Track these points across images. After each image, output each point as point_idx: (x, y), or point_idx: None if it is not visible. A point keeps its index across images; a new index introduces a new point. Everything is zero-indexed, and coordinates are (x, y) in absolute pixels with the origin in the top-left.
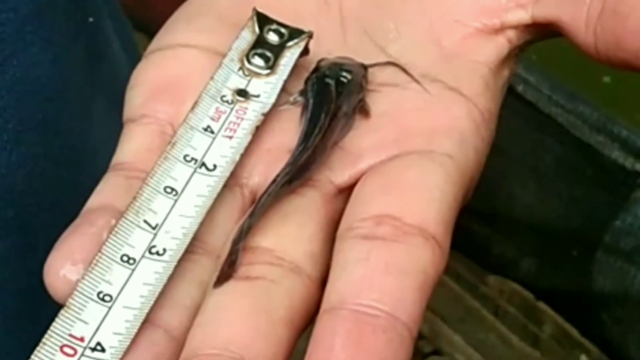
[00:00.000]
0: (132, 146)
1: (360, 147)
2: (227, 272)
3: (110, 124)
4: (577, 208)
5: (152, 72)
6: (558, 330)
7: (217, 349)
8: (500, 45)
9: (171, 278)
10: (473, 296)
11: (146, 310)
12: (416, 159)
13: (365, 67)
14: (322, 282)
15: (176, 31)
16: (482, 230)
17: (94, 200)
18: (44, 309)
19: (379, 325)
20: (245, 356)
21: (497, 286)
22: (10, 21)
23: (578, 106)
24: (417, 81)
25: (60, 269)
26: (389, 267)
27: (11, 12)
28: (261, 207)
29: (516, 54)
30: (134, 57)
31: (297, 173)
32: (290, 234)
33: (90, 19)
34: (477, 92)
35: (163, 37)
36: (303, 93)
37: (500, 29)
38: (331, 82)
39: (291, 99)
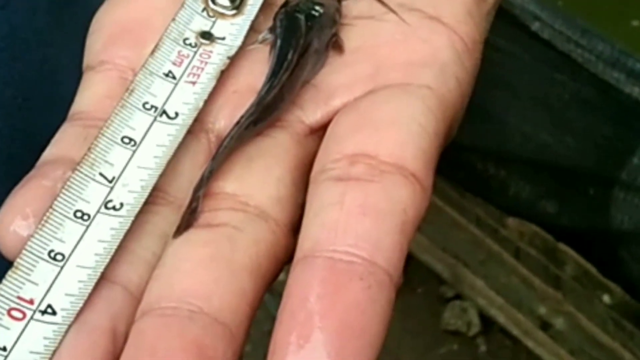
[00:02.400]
0: (90, 94)
1: (333, 84)
2: (187, 221)
3: None
4: (593, 146)
5: (112, 15)
6: (579, 271)
7: (174, 301)
8: None
9: (129, 233)
10: (493, 239)
11: (101, 270)
12: (392, 93)
13: (338, 0)
14: (292, 227)
15: None
16: (498, 173)
17: (49, 152)
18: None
19: (356, 272)
20: (204, 307)
21: (517, 228)
22: None
23: (592, 41)
24: (393, 11)
25: (10, 224)
26: (365, 209)
27: None
28: (224, 150)
29: None
30: None
31: (263, 113)
32: (256, 178)
33: None
34: (459, 20)
35: None
36: (272, 30)
37: None
38: (301, 16)
39: (259, 37)
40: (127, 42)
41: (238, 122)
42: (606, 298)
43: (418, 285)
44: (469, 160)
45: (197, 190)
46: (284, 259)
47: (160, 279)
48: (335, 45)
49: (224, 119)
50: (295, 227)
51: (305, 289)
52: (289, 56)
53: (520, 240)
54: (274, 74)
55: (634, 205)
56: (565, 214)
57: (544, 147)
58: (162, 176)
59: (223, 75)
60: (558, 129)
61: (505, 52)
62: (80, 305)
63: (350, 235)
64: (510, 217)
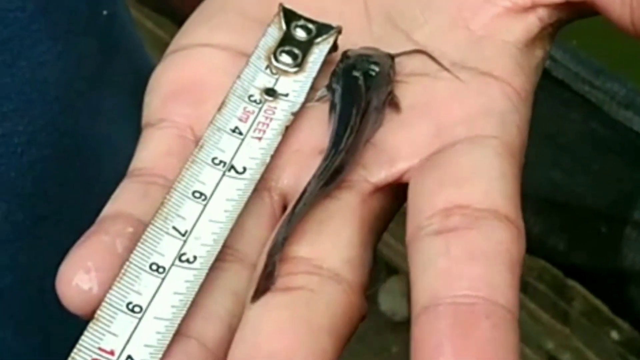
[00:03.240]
0: (149, 151)
1: (395, 145)
2: (264, 285)
3: (130, 117)
4: (605, 184)
5: (170, 74)
6: (588, 307)
7: None
8: (530, 23)
9: (201, 288)
10: None
11: (178, 321)
12: (465, 146)
13: (392, 57)
14: (362, 287)
15: (194, 31)
16: None
17: (109, 208)
18: (54, 314)
19: (480, 312)
20: None
21: (526, 263)
22: (18, 20)
23: (605, 82)
24: (446, 69)
25: (73, 278)
26: (472, 254)
27: (19, 10)
28: (297, 216)
29: (550, 34)
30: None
31: (332, 177)
32: (327, 241)
33: (105, 12)
34: (511, 73)
35: (181, 37)
36: (329, 88)
37: (531, 7)
38: (359, 75)
39: (317, 94)
40: (185, 100)
41: (306, 189)
42: (614, 334)
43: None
44: None
45: (271, 254)
46: (358, 319)
47: (244, 342)
48: (392, 103)
49: (288, 179)
50: (364, 286)
51: (436, 337)
52: (352, 118)
53: (528, 275)
54: (338, 138)
55: None
56: (575, 252)
57: (556, 184)
58: (230, 232)
59: (286, 132)
60: (570, 167)
61: None
62: (160, 356)
63: (465, 280)
64: None
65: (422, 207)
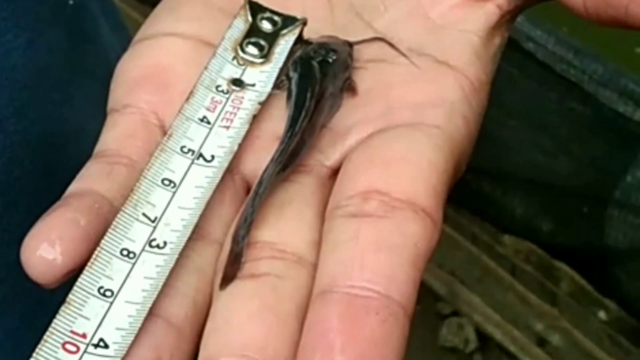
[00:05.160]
0: (114, 135)
1: (347, 125)
2: (231, 272)
3: (102, 107)
4: (587, 164)
5: (135, 62)
6: (575, 288)
7: (233, 356)
8: (489, 12)
9: (172, 270)
10: (489, 257)
11: (149, 305)
12: (402, 132)
13: (350, 45)
14: None
15: (160, 20)
16: (493, 191)
17: (74, 186)
18: (25, 298)
19: (372, 306)
20: (260, 358)
21: (513, 246)
22: None
23: (584, 61)
24: (404, 55)
25: (37, 248)
26: (379, 244)
27: None
28: (259, 199)
29: (507, 20)
30: (125, 38)
31: (289, 160)
32: (290, 225)
33: (71, 1)
34: (466, 62)
35: (147, 27)
36: (287, 77)
37: None
38: (314, 63)
39: (277, 83)
40: (150, 87)
41: (265, 170)
42: (602, 314)
43: (415, 302)
44: (464, 178)
45: (237, 241)
46: None
47: (215, 334)
48: (349, 88)
49: (249, 163)
50: None
51: (324, 324)
52: (307, 103)
53: (516, 258)
54: (293, 121)
55: (627, 223)
56: (560, 232)
57: (538, 165)
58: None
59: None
60: (552, 148)
61: (500, 71)
62: (132, 339)
63: (366, 271)
64: (505, 234)
65: (345, 185)
